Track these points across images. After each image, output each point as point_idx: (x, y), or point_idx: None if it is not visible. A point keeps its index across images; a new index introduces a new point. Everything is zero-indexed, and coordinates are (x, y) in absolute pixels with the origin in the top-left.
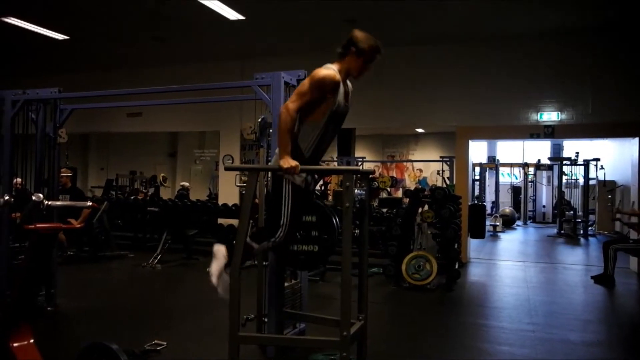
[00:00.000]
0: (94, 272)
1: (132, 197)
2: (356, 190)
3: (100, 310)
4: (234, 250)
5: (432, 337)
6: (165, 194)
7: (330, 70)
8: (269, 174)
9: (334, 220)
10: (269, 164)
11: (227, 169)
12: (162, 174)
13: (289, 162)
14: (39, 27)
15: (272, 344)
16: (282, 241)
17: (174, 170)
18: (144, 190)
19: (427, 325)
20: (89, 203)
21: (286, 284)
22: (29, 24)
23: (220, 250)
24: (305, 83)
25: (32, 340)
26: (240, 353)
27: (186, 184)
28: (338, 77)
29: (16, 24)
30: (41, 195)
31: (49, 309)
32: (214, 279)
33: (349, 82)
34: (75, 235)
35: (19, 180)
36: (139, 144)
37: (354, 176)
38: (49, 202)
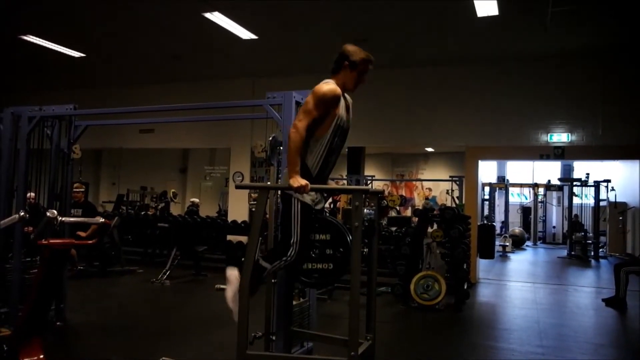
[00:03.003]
0: (103, 287)
1: (142, 213)
2: (365, 209)
3: (109, 325)
4: (243, 268)
5: (441, 358)
6: (175, 209)
7: (330, 84)
8: (279, 192)
9: (348, 238)
10: (279, 182)
11: (237, 187)
12: (173, 190)
13: (298, 181)
14: (56, 45)
15: None
16: (294, 260)
17: (184, 186)
18: (154, 206)
19: (435, 346)
20: (101, 219)
21: (294, 302)
22: (47, 42)
23: (233, 273)
24: (309, 100)
25: (42, 356)
26: None
27: (196, 200)
28: (339, 90)
29: (35, 41)
30: (55, 212)
31: (58, 323)
32: (230, 304)
33: (347, 96)
34: (85, 250)
35: (32, 194)
36: (150, 160)
37: (363, 195)
38: (63, 219)
